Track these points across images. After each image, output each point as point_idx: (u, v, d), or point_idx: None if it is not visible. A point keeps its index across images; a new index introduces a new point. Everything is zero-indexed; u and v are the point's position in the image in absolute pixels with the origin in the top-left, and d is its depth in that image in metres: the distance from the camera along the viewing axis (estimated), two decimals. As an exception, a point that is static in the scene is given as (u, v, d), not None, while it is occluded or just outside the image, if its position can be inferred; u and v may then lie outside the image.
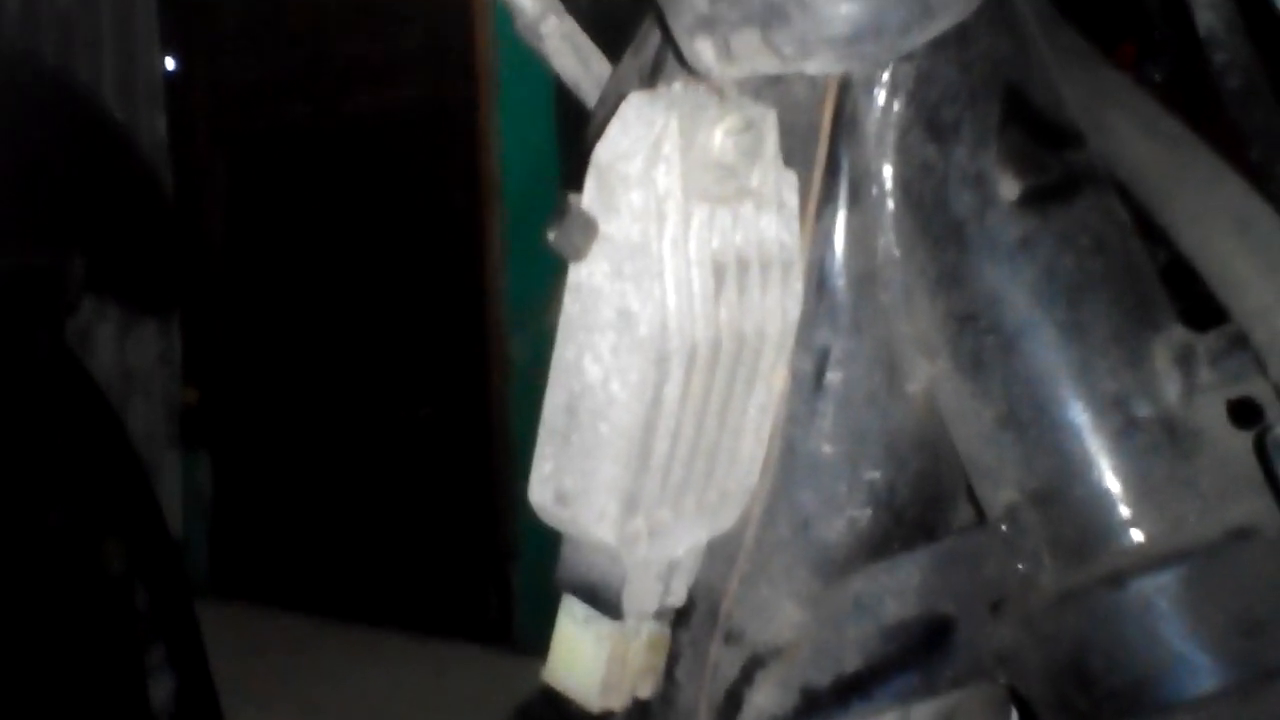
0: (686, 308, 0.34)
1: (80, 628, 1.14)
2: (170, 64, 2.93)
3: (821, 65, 0.34)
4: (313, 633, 2.64)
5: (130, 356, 2.79)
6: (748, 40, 0.33)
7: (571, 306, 0.35)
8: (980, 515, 0.40)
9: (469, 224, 2.52)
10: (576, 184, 0.35)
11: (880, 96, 0.37)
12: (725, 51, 0.34)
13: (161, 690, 1.23)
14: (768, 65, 0.34)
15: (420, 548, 2.60)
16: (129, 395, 2.79)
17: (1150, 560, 0.35)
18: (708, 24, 0.34)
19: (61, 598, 1.16)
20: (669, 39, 0.35)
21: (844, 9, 0.32)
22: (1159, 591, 0.34)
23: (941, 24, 0.34)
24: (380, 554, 2.65)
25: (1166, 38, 0.49)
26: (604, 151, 0.34)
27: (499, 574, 2.46)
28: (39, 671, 1.11)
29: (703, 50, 0.34)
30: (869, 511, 0.39)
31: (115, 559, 1.21)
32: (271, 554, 2.85)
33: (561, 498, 0.36)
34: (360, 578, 2.68)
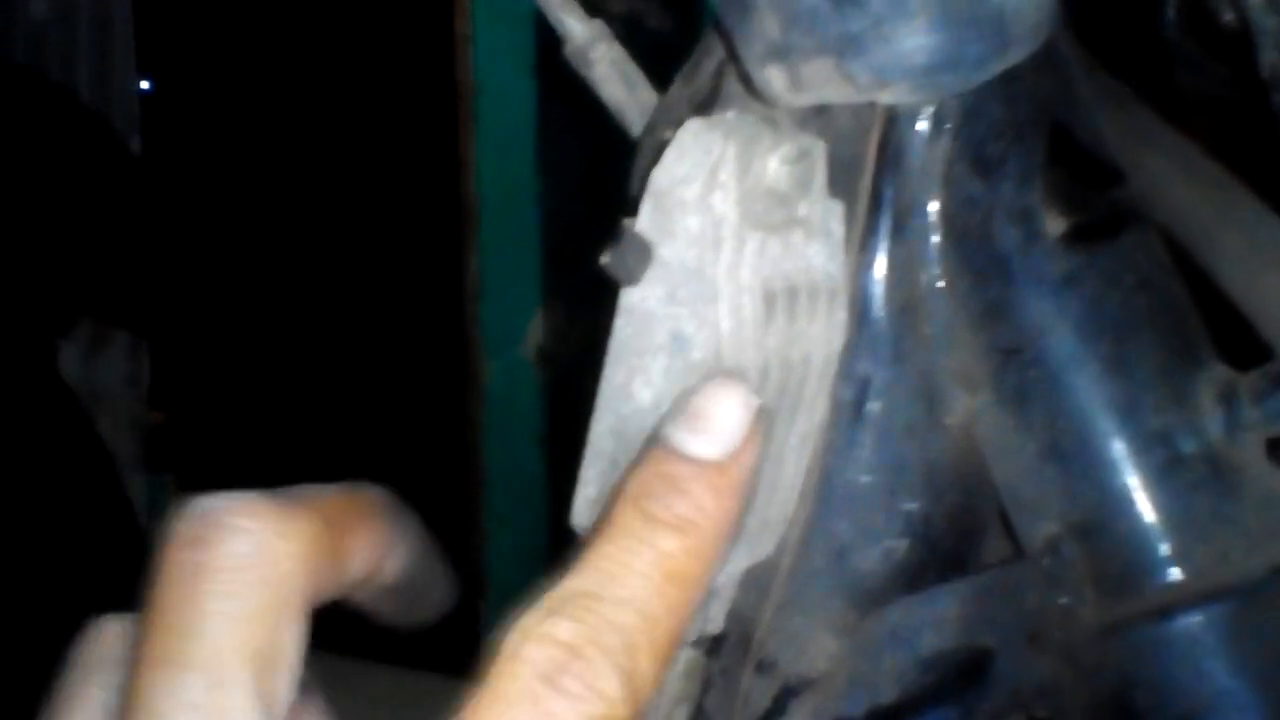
0: (739, 333, 0.34)
1: (54, 653, 1.12)
2: (146, 85, 2.92)
3: (896, 96, 0.34)
4: (276, 661, 2.60)
5: (97, 378, 2.76)
6: (820, 69, 0.33)
7: (623, 330, 0.35)
8: (1017, 551, 0.40)
9: (446, 253, 2.52)
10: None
11: (926, 130, 0.37)
12: (795, 80, 0.34)
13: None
14: (839, 95, 0.34)
15: (388, 577, 2.58)
16: (94, 417, 2.75)
17: (1196, 595, 0.35)
18: (780, 52, 0.34)
19: (36, 621, 1.14)
20: (736, 65, 0.35)
21: (923, 40, 0.33)
22: (1205, 627, 0.35)
23: (1016, 57, 0.34)
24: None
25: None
26: (661, 176, 0.34)
27: (468, 605, 2.45)
28: (16, 701, 1.09)
29: (773, 78, 0.34)
30: (905, 542, 0.39)
31: (92, 585, 1.19)
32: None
33: (606, 523, 0.36)
34: (327, 606, 2.65)
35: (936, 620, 0.38)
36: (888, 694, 0.39)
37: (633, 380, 0.35)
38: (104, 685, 0.27)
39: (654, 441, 0.28)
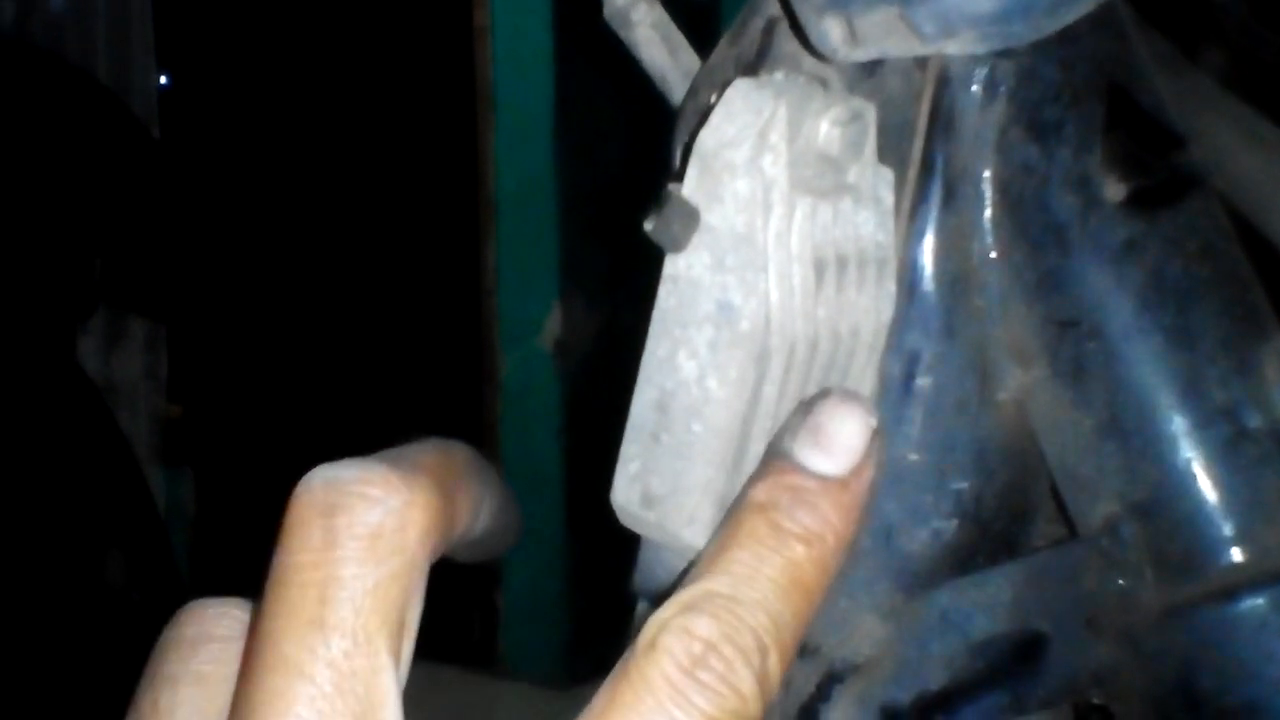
0: (789, 303, 0.33)
1: (79, 638, 1.12)
2: (164, 79, 2.91)
3: (962, 46, 0.33)
4: (293, 654, 2.59)
5: (115, 370, 2.76)
6: (882, 19, 0.32)
7: (667, 300, 0.34)
8: (1071, 532, 0.39)
9: (464, 246, 2.51)
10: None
11: (979, 94, 0.36)
12: (854, 32, 0.32)
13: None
14: (900, 47, 0.33)
15: (406, 570, 2.57)
16: (113, 409, 2.75)
17: (1263, 575, 0.34)
18: (838, 2, 0.32)
19: (61, 608, 1.14)
20: (791, 18, 0.34)
21: (993, -15, 0.31)
22: (1273, 608, 0.33)
23: (1089, 4, 0.33)
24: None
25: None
26: (709, 138, 0.33)
27: (484, 596, 2.44)
28: (36, 680, 1.08)
29: (831, 30, 0.33)
30: (954, 523, 0.38)
31: (115, 571, 1.18)
32: (255, 572, 2.81)
33: (648, 500, 0.35)
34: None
35: (988, 603, 0.37)
36: (937, 680, 0.38)
37: (677, 352, 0.34)
38: (210, 660, 0.28)
39: (776, 454, 0.30)
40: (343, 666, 0.25)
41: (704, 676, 0.25)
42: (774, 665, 0.26)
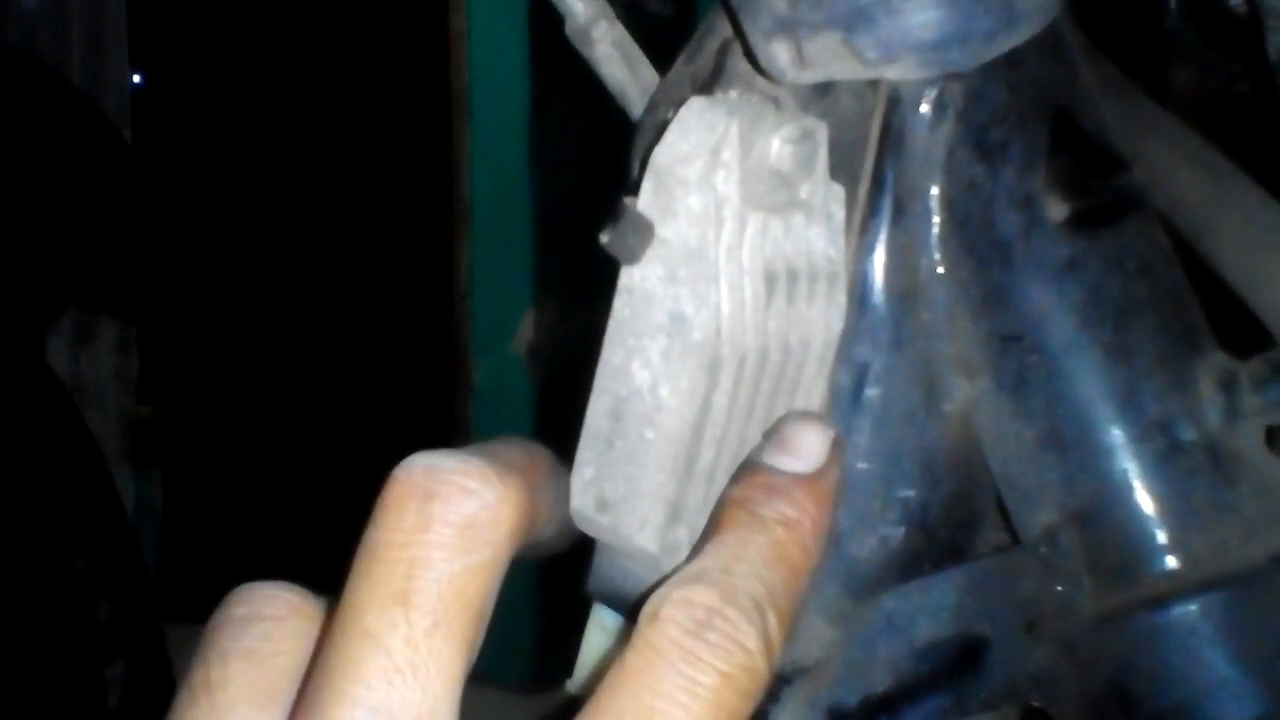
0: (739, 315, 0.34)
1: (41, 640, 1.12)
2: (138, 79, 2.90)
3: (903, 71, 0.34)
4: (261, 657, 2.58)
5: (84, 371, 2.74)
6: (827, 44, 0.33)
7: (621, 310, 0.35)
8: (1014, 539, 0.40)
9: (437, 250, 2.51)
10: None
11: (928, 114, 0.37)
12: (801, 55, 0.34)
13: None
14: (845, 70, 0.34)
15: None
16: (82, 410, 2.73)
17: (1194, 583, 0.35)
18: (786, 27, 0.34)
19: (23, 609, 1.14)
20: (742, 41, 0.35)
21: (932, 15, 0.32)
22: (1203, 615, 0.34)
23: (1024, 34, 0.34)
24: (337, 579, 2.62)
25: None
26: (663, 155, 0.34)
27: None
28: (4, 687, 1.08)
29: (779, 54, 0.34)
30: (901, 530, 0.39)
31: (79, 572, 1.18)
32: (223, 574, 2.80)
33: (602, 505, 0.36)
34: (314, 602, 2.63)
35: (932, 608, 0.38)
36: (882, 682, 0.39)
37: (631, 361, 0.35)
38: (260, 637, 0.29)
39: (749, 466, 0.32)
40: (420, 645, 0.26)
41: (711, 636, 0.26)
42: (774, 626, 0.28)
